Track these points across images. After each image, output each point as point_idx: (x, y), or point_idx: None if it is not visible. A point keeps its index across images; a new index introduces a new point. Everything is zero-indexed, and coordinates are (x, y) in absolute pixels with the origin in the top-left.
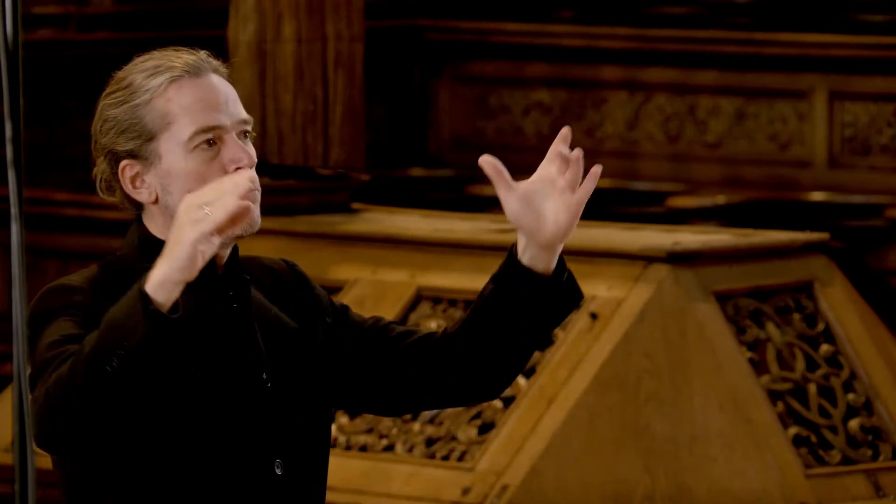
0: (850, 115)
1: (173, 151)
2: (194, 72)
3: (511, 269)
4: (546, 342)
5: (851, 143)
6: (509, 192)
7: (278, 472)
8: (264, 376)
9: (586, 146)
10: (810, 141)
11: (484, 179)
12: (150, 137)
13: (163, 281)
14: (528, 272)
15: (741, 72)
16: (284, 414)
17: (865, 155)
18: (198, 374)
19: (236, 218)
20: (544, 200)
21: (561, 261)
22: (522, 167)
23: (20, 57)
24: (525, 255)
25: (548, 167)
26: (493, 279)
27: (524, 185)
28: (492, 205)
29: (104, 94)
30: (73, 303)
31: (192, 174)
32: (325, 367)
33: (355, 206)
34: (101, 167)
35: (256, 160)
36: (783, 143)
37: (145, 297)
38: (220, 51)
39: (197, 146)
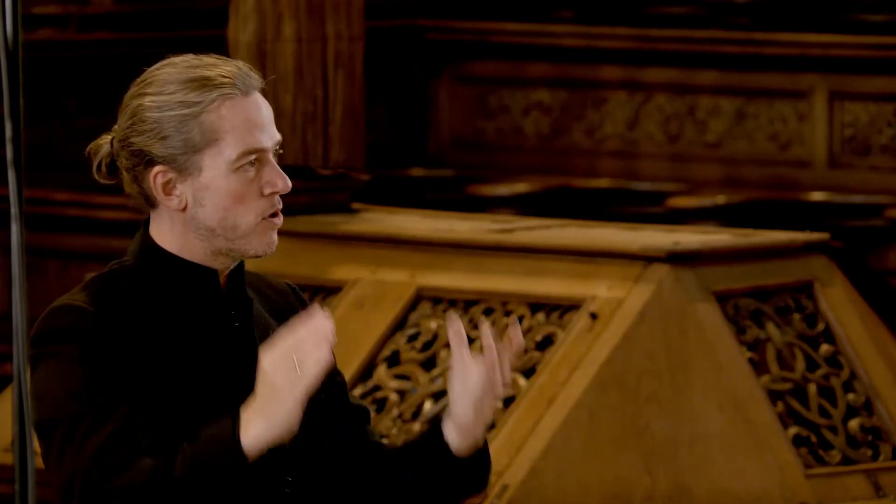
0: (850, 115)
1: (216, 168)
2: (245, 90)
3: (431, 439)
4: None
5: (851, 143)
6: (461, 359)
7: (286, 490)
8: None
9: (586, 146)
10: (810, 141)
11: (484, 179)
12: (195, 150)
13: (259, 439)
14: (444, 448)
15: (741, 72)
16: (293, 446)
17: (865, 155)
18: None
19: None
20: (480, 384)
21: (484, 448)
22: (522, 167)
23: (20, 57)
24: (447, 430)
25: (483, 369)
26: (412, 443)
27: (479, 373)
28: (492, 205)
29: (138, 91)
30: (79, 326)
31: (232, 193)
32: (322, 389)
33: (355, 206)
34: (103, 150)
35: (290, 185)
36: (783, 143)
37: (240, 455)
38: (220, 51)
39: (241, 167)
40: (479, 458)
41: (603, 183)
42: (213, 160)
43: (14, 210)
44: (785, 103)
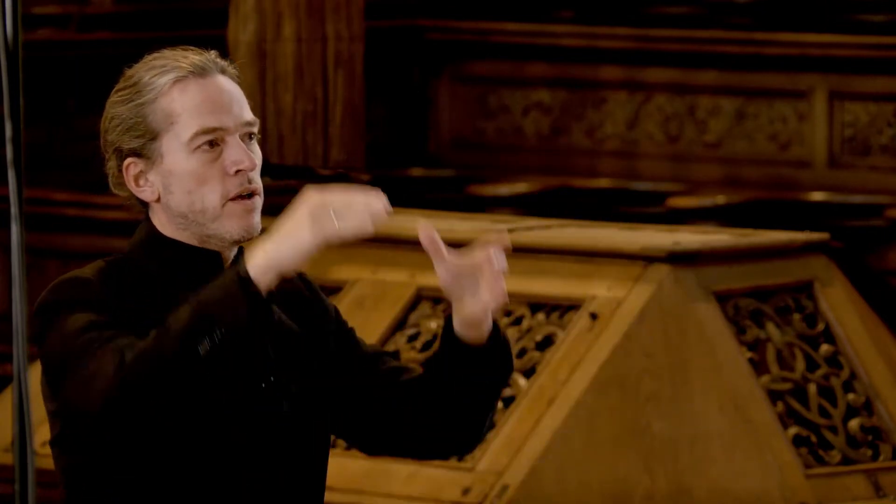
0: (850, 115)
1: (175, 151)
2: (200, 72)
3: (445, 338)
4: (490, 402)
5: (851, 143)
6: (441, 262)
7: (287, 474)
8: (271, 380)
9: (586, 146)
10: (810, 141)
11: (484, 179)
12: (153, 136)
13: (267, 267)
14: (457, 342)
15: (741, 72)
16: (289, 417)
17: (865, 155)
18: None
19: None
20: (472, 280)
21: (495, 330)
22: (522, 167)
23: (20, 57)
24: (456, 324)
25: (476, 256)
26: (432, 358)
27: (455, 260)
28: (492, 205)
29: (113, 91)
30: (86, 295)
31: (193, 175)
32: (328, 374)
33: None
34: (110, 164)
35: (260, 163)
36: (783, 143)
37: (247, 280)
38: (220, 51)
39: (198, 147)
40: (497, 342)
41: (603, 183)
42: (172, 143)
43: (14, 210)
44: (785, 103)
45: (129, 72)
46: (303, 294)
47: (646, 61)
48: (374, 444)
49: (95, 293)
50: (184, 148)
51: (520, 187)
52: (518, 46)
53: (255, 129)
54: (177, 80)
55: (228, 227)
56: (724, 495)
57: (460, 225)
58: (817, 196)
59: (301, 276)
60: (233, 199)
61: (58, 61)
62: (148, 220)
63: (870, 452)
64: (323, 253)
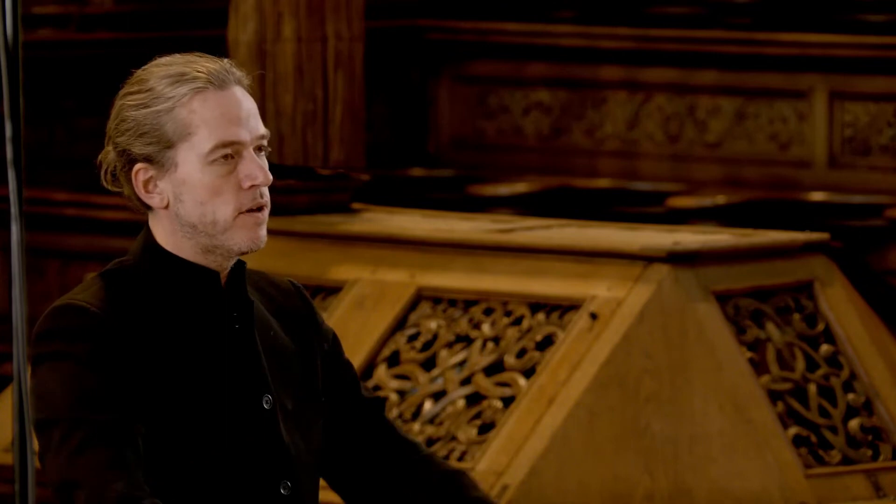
0: (850, 115)
1: (191, 162)
2: (219, 84)
3: None
4: None
5: (851, 143)
6: None
7: (284, 492)
8: (268, 397)
9: (586, 146)
10: (810, 141)
11: (484, 179)
12: (168, 145)
13: None
14: None
15: (741, 72)
16: (286, 434)
17: (865, 155)
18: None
19: None
20: None
21: None
22: (522, 167)
23: (20, 57)
24: None
25: None
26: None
27: None
28: (492, 205)
29: (123, 92)
30: (82, 327)
31: (207, 187)
32: (321, 391)
33: (355, 206)
34: (109, 157)
35: (271, 178)
36: (783, 143)
37: None
38: (220, 51)
39: (215, 160)
40: None
41: (603, 183)
42: (188, 154)
43: (14, 210)
44: (785, 103)
45: (140, 74)
46: (300, 314)
47: (646, 61)
48: (328, 475)
49: (90, 325)
50: (200, 160)
51: (520, 187)
52: (518, 46)
53: (266, 142)
54: (197, 91)
55: (237, 239)
56: (724, 495)
57: (460, 225)
58: (817, 196)
59: (301, 296)
60: (244, 213)
61: (58, 61)
62: (148, 228)
63: (870, 452)
64: (323, 253)
